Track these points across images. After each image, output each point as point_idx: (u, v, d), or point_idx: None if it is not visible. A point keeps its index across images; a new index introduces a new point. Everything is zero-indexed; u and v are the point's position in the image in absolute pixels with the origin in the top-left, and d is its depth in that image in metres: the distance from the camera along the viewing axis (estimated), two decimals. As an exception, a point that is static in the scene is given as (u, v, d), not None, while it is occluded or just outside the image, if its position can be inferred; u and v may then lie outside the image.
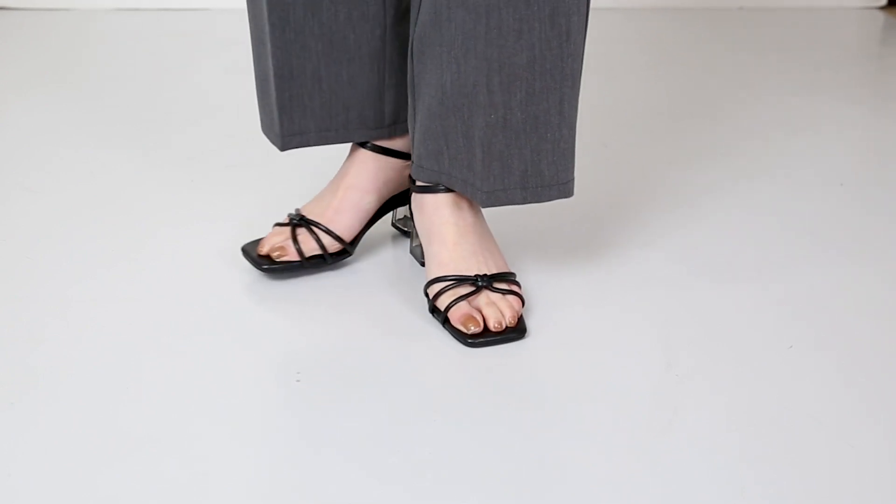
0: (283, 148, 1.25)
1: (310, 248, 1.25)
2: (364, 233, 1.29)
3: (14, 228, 1.41)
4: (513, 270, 1.21)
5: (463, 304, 1.14)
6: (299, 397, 1.06)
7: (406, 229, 1.35)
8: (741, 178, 1.57)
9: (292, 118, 1.24)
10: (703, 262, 1.32)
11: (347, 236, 1.27)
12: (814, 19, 2.46)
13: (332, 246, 1.26)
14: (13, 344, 1.14)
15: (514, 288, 1.17)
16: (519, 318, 1.15)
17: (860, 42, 2.40)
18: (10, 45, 2.25)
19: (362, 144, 1.27)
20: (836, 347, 1.14)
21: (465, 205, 1.19)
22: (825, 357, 1.12)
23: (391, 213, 1.36)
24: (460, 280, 1.16)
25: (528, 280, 1.26)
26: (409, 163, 1.28)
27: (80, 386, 1.06)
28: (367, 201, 1.27)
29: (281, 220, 1.29)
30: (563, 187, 1.15)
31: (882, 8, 2.57)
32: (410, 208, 1.25)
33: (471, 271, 1.17)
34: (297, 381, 1.08)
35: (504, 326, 1.13)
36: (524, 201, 1.14)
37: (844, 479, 0.94)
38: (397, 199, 1.31)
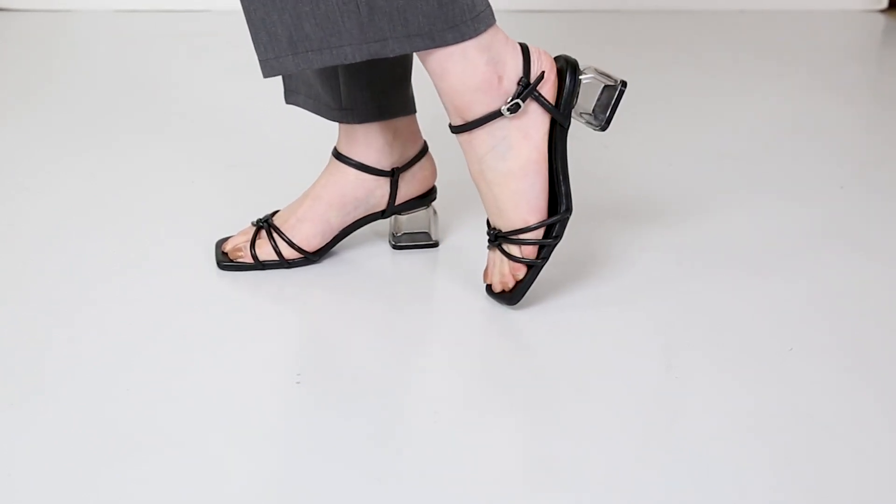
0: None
1: (266, 252, 1.26)
2: (332, 245, 1.29)
3: (14, 229, 1.40)
4: (531, 224, 1.14)
5: (488, 254, 1.20)
6: (300, 398, 1.05)
7: (405, 244, 1.33)
8: (741, 180, 1.57)
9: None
10: (703, 263, 1.32)
11: (307, 246, 1.26)
12: (814, 22, 2.46)
13: (290, 253, 1.27)
14: (13, 344, 1.13)
15: (516, 253, 1.16)
16: (516, 284, 1.16)
17: (861, 45, 2.40)
18: (10, 46, 2.25)
19: (338, 157, 1.27)
20: (836, 350, 1.14)
21: (487, 152, 1.13)
22: (826, 359, 1.12)
23: (390, 234, 1.35)
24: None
25: (529, 281, 1.26)
26: (385, 180, 1.27)
27: (80, 386, 1.06)
28: (331, 215, 1.26)
29: (256, 220, 1.30)
30: (336, 51, 1.06)
31: (883, 11, 2.57)
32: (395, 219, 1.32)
33: (492, 222, 1.18)
34: (298, 382, 1.07)
35: (500, 290, 1.18)
36: (297, 68, 1.07)
37: (845, 481, 0.94)
38: (369, 218, 1.30)
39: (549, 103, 1.13)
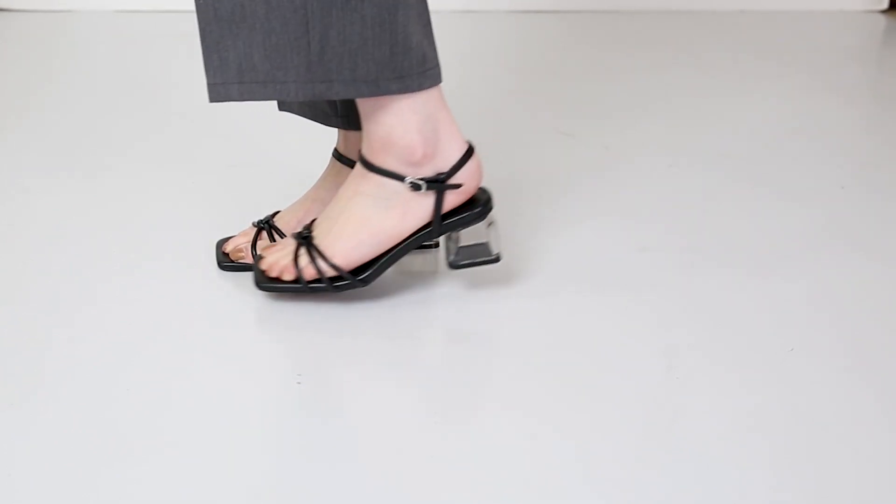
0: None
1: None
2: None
3: (14, 229, 1.40)
4: (332, 261, 1.15)
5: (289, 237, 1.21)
6: (300, 398, 1.05)
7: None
8: (742, 181, 1.57)
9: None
10: (704, 263, 1.31)
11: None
12: (815, 22, 2.45)
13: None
14: (13, 345, 1.13)
15: (301, 262, 1.16)
16: (274, 279, 1.17)
17: (861, 45, 2.40)
18: (10, 46, 2.25)
19: (339, 158, 1.26)
20: (837, 350, 1.14)
21: (369, 195, 1.14)
22: (826, 359, 1.12)
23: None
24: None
25: (528, 281, 1.26)
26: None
27: (80, 387, 1.06)
28: None
29: (257, 220, 1.30)
30: (280, 87, 1.06)
31: (883, 11, 2.57)
32: None
33: (314, 224, 1.19)
34: (298, 382, 1.07)
35: (261, 267, 1.18)
36: (241, 97, 1.07)
37: (845, 481, 0.94)
38: None
39: (440, 210, 1.12)
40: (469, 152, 1.12)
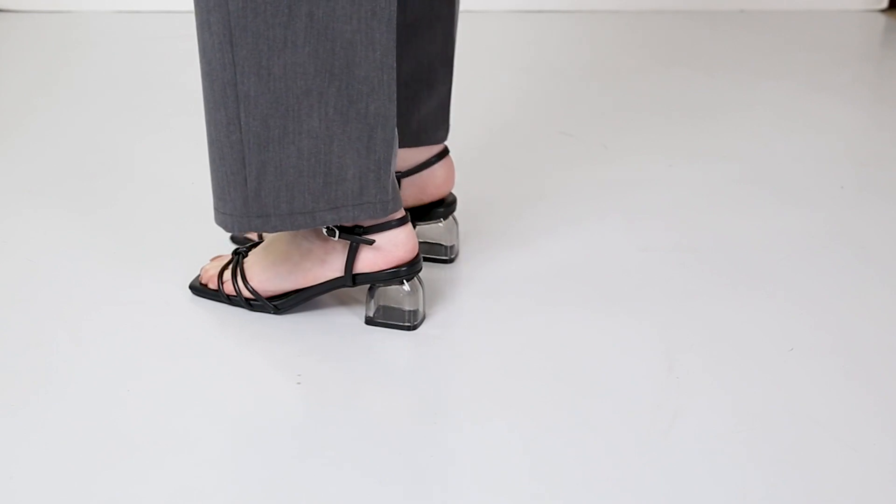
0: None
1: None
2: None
3: (17, 231, 1.40)
4: (250, 283, 1.17)
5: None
6: (300, 398, 1.05)
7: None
8: (742, 181, 1.57)
9: None
10: (704, 263, 1.32)
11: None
12: (815, 22, 2.46)
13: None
14: (14, 347, 1.13)
15: (225, 273, 1.20)
16: (203, 284, 1.22)
17: (861, 44, 2.40)
18: (11, 47, 2.25)
19: None
20: (837, 351, 1.14)
21: (298, 234, 1.16)
22: (826, 360, 1.12)
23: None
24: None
25: (529, 282, 1.26)
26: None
27: (81, 389, 1.06)
28: None
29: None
30: (222, 216, 1.09)
31: (883, 11, 2.57)
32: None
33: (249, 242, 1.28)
34: (298, 382, 1.07)
35: (203, 277, 1.23)
36: (216, 220, 1.11)
37: (846, 482, 0.94)
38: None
39: (352, 261, 1.12)
40: (401, 221, 1.12)
